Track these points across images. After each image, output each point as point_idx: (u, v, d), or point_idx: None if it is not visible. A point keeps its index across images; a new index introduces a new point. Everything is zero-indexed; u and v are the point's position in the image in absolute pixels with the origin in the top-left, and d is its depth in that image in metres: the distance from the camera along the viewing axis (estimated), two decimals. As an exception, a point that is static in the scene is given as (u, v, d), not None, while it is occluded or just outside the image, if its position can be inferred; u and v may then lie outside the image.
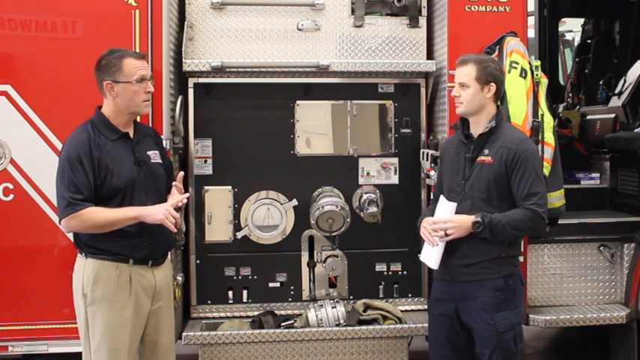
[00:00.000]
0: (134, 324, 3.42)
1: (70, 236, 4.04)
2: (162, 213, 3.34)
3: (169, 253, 3.77)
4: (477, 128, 3.64)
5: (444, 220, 3.55)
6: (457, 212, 3.56)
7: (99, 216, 3.28)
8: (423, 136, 4.74)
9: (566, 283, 4.74)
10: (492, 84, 3.58)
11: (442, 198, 3.67)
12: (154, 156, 3.58)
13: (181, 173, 3.71)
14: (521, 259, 4.26)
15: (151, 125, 4.07)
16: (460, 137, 3.71)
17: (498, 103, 3.75)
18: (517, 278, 3.64)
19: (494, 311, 3.52)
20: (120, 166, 3.40)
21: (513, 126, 3.96)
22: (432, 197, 4.02)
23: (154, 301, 3.51)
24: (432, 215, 3.70)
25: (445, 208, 3.61)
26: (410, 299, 4.78)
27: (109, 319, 3.36)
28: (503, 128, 3.65)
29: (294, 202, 4.62)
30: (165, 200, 3.62)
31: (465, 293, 3.59)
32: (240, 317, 4.62)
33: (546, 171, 4.20)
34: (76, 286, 3.41)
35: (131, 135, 3.52)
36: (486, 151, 3.58)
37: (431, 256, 3.63)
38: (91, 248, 3.38)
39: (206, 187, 4.58)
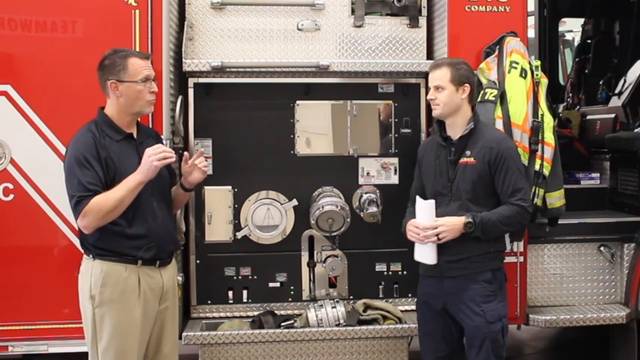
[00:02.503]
0: (143, 325, 3.42)
1: (71, 236, 4.07)
2: (152, 163, 3.32)
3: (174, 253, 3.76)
4: (454, 130, 3.72)
5: (435, 225, 3.60)
6: (446, 214, 3.63)
7: (106, 200, 3.26)
8: (423, 136, 4.74)
9: (566, 283, 4.74)
10: (466, 85, 3.69)
11: (418, 199, 3.73)
12: None
13: (186, 153, 3.75)
14: (521, 259, 4.30)
15: (150, 125, 4.07)
16: (438, 140, 3.79)
17: (475, 103, 3.80)
18: (502, 272, 3.75)
19: (482, 302, 3.60)
20: (126, 166, 3.39)
21: (490, 125, 4.01)
22: (409, 201, 4.02)
23: (161, 301, 3.52)
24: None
25: (425, 207, 3.67)
26: (410, 299, 4.77)
27: (117, 321, 3.35)
28: (481, 129, 3.73)
29: (294, 202, 4.61)
30: (169, 201, 3.62)
31: (453, 288, 3.66)
32: (240, 317, 4.62)
33: (546, 171, 4.20)
34: (83, 288, 3.40)
35: (135, 136, 3.52)
36: (468, 153, 3.67)
37: (426, 253, 3.67)
38: (99, 250, 3.36)
39: (206, 187, 4.58)
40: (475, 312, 3.60)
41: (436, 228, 3.59)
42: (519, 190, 3.63)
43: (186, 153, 3.72)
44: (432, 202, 3.67)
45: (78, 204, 3.26)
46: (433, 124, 3.87)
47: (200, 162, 3.68)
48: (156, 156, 3.34)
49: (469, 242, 3.60)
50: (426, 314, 3.83)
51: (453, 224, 3.58)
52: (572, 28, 9.23)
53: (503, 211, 3.60)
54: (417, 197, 3.76)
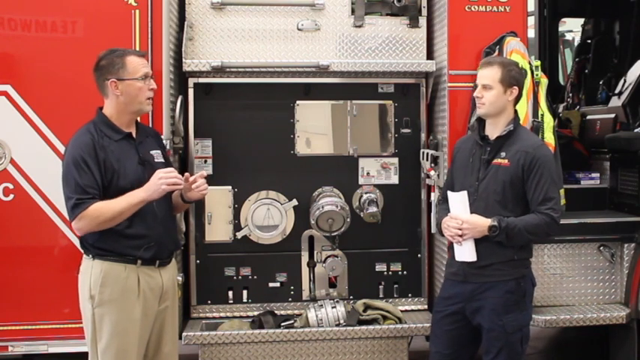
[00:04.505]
0: (142, 325, 3.41)
1: (71, 236, 4.07)
2: (160, 185, 3.32)
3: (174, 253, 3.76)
4: (493, 130, 3.66)
5: (459, 220, 3.55)
6: (471, 213, 3.57)
7: (106, 209, 3.26)
8: (423, 136, 4.75)
9: (566, 283, 4.73)
10: (515, 87, 3.62)
11: (450, 193, 3.68)
12: (157, 156, 3.58)
13: (187, 174, 3.67)
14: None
15: (150, 125, 4.07)
16: (476, 138, 3.72)
17: (516, 107, 3.75)
18: (528, 280, 3.67)
19: (503, 312, 3.55)
20: (125, 166, 3.39)
21: (530, 131, 3.96)
22: (440, 197, 4.00)
23: (160, 301, 3.51)
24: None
25: (457, 200, 3.61)
26: (410, 299, 4.78)
27: (117, 321, 3.34)
28: (520, 132, 3.67)
29: (294, 202, 4.62)
30: (169, 200, 3.62)
31: (475, 294, 3.61)
32: (240, 317, 4.62)
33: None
34: (83, 288, 3.39)
35: (134, 135, 3.52)
36: (503, 154, 3.60)
37: (466, 252, 3.60)
38: (99, 250, 3.36)
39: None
40: (495, 322, 3.55)
41: (461, 223, 3.54)
42: (550, 200, 3.53)
43: (187, 174, 3.64)
44: (464, 192, 3.60)
45: (76, 207, 3.26)
46: (473, 122, 3.81)
47: (198, 186, 3.61)
48: (166, 180, 3.34)
49: (493, 247, 3.54)
50: (441, 316, 3.76)
51: (476, 224, 3.53)
52: (572, 28, 9.23)
53: (531, 219, 3.52)
54: (449, 192, 3.70)
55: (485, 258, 3.57)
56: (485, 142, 3.67)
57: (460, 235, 3.55)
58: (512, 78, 3.61)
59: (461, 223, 3.55)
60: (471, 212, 3.57)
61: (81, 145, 3.33)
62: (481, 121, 3.73)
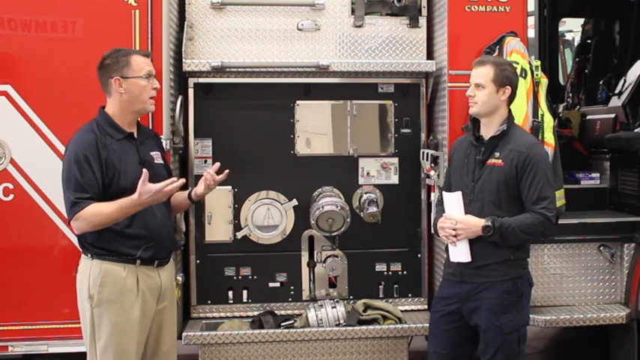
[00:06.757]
0: (141, 325, 3.42)
1: (71, 236, 4.07)
2: (158, 195, 3.29)
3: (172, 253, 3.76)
4: (488, 130, 3.66)
5: (454, 221, 3.56)
6: (466, 213, 3.57)
7: (100, 214, 3.26)
8: (423, 136, 4.75)
9: (566, 283, 4.73)
10: (508, 87, 3.62)
11: (445, 193, 3.68)
12: (157, 157, 3.60)
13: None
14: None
15: (150, 125, 4.08)
16: (470, 139, 3.72)
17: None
18: (525, 280, 3.66)
19: (500, 313, 3.54)
20: (126, 166, 3.40)
21: (524, 130, 3.96)
22: (438, 199, 4.01)
23: (159, 301, 3.52)
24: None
25: (452, 201, 3.61)
26: (410, 299, 4.78)
27: (116, 321, 3.35)
28: (514, 132, 3.66)
29: (294, 202, 4.62)
30: (168, 201, 3.62)
31: (472, 294, 3.61)
32: (240, 317, 4.62)
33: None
34: (81, 288, 3.40)
35: (135, 135, 3.52)
36: (497, 154, 3.60)
37: (460, 252, 3.60)
38: (98, 249, 3.36)
39: (206, 187, 4.57)
40: (492, 322, 3.55)
41: (455, 223, 3.54)
42: (545, 199, 3.52)
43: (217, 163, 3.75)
44: (458, 193, 3.60)
45: (74, 205, 3.27)
46: (468, 123, 3.81)
47: (207, 179, 3.69)
48: (167, 191, 3.31)
49: (490, 248, 3.53)
50: (439, 316, 3.76)
51: (470, 224, 3.52)
52: (572, 28, 9.24)
53: (525, 218, 3.52)
54: (444, 192, 3.70)
55: (482, 258, 3.56)
56: (480, 142, 3.68)
57: (454, 236, 3.55)
58: (505, 78, 3.61)
59: (455, 223, 3.55)
60: (467, 213, 3.57)
61: (83, 143, 3.34)
62: (476, 122, 3.73)
